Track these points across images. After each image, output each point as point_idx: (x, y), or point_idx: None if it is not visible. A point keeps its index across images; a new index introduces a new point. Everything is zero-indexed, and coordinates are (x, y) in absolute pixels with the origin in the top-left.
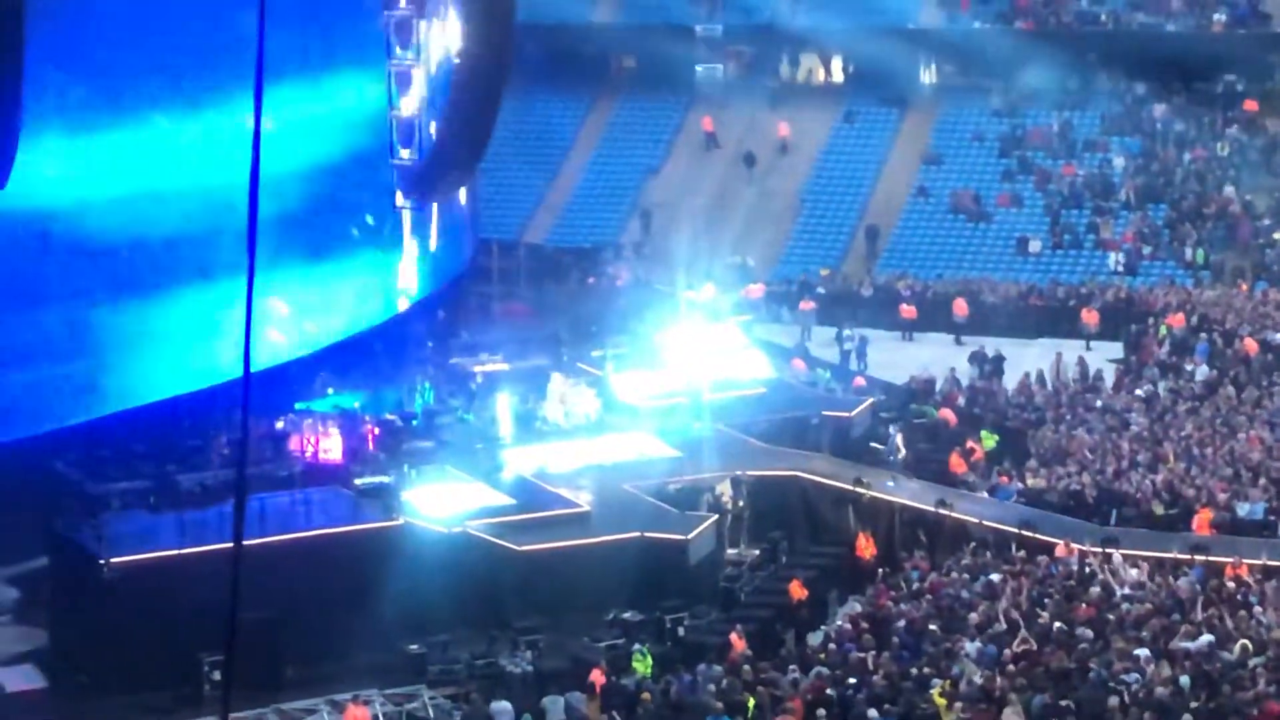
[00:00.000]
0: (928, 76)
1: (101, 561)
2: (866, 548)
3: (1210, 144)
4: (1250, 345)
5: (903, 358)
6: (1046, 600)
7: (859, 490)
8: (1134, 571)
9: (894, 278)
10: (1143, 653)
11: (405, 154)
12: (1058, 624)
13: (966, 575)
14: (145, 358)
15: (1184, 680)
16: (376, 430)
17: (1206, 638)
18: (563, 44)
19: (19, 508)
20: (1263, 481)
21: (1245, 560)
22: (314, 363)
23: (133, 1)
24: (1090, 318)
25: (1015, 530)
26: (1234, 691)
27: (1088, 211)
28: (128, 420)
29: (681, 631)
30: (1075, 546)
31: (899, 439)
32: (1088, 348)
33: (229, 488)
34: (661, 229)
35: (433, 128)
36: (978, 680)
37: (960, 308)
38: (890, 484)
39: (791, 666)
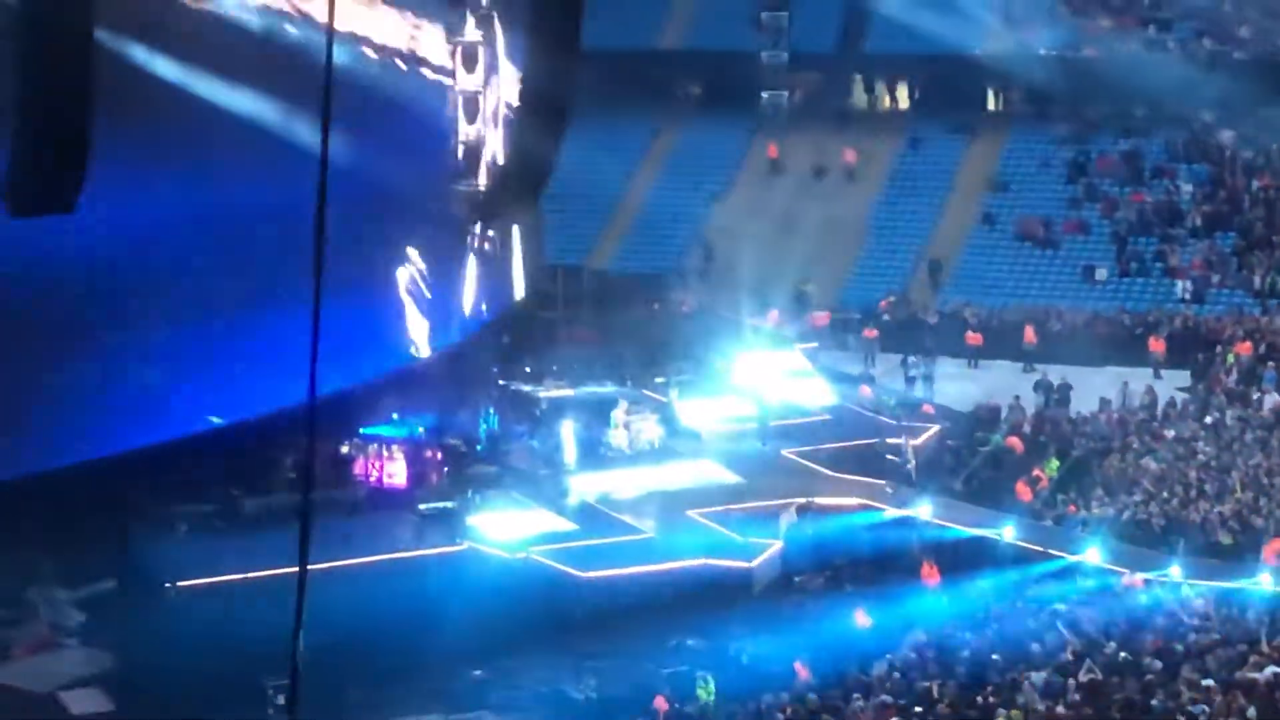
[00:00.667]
0: (994, 103)
1: (167, 585)
2: (931, 576)
3: (1279, 171)
4: None
5: (968, 385)
6: (1113, 630)
7: (923, 518)
8: (1201, 601)
9: (959, 305)
10: (1210, 683)
11: (471, 179)
12: (1124, 654)
13: (1032, 604)
14: (211, 381)
15: (1251, 712)
16: (441, 455)
17: (1274, 668)
18: (628, 70)
19: (86, 531)
20: None
21: None
22: (380, 387)
23: None
24: (1157, 346)
25: (1080, 559)
26: None
27: (1155, 239)
28: (194, 444)
29: (745, 659)
30: (1142, 576)
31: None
32: (1155, 376)
33: (294, 512)
34: (726, 255)
35: (498, 153)
36: (1041, 709)
37: (1029, 335)
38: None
39: (856, 695)
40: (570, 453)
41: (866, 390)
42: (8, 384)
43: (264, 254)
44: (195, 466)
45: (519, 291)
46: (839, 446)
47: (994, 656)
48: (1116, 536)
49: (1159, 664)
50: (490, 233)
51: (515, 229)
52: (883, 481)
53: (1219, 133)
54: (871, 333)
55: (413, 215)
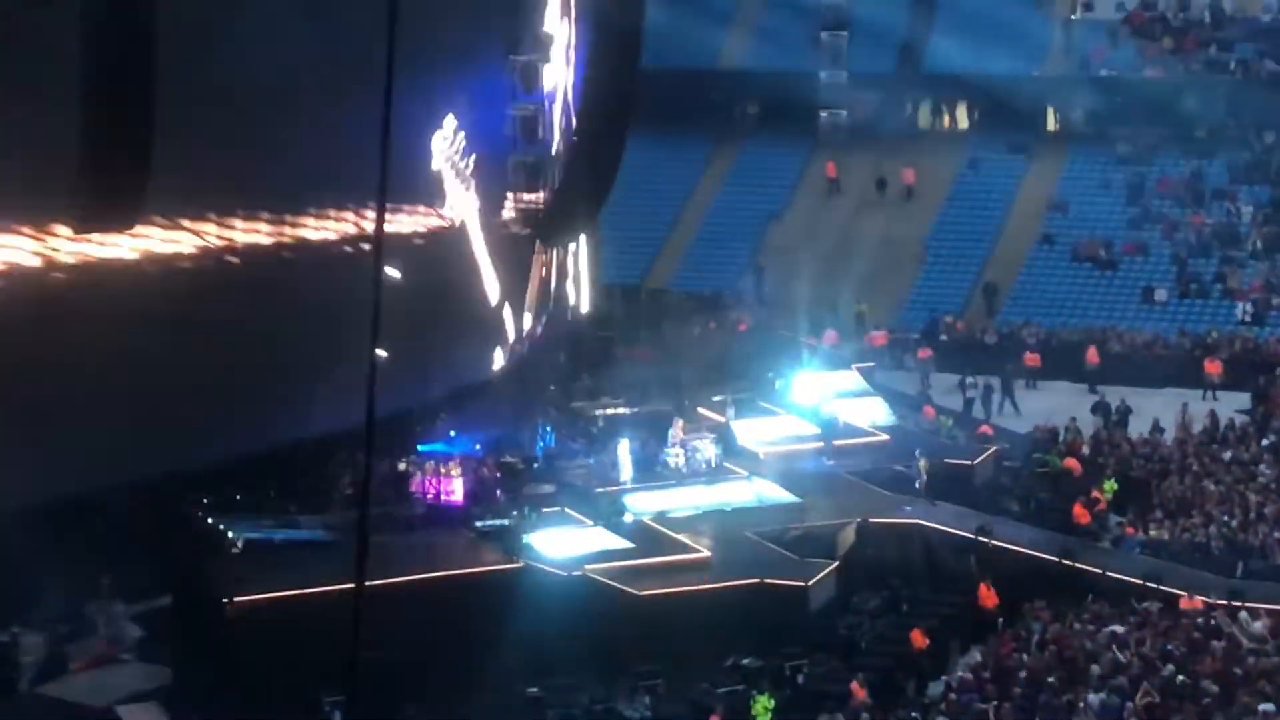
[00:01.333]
0: (1054, 124)
1: (225, 600)
2: (988, 597)
3: None
4: None
5: (1026, 406)
6: (1171, 653)
7: (981, 539)
8: (1259, 624)
9: (1018, 325)
10: (1267, 707)
11: (530, 197)
12: (1182, 677)
13: (1090, 626)
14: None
15: None
16: (498, 473)
17: None
18: (687, 88)
19: (144, 546)
20: None
21: None
22: (437, 405)
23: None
24: (1214, 368)
25: (1139, 582)
26: None
27: (1215, 261)
28: (253, 460)
29: (801, 679)
30: (1200, 599)
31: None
32: (1214, 398)
33: (351, 528)
34: (784, 274)
35: (557, 172)
36: None
37: (1092, 356)
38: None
39: (913, 715)
40: (626, 471)
41: (930, 411)
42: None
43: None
44: (253, 483)
45: (576, 309)
46: (896, 466)
47: (1050, 679)
48: (1175, 559)
49: (1217, 687)
50: (549, 251)
51: (573, 247)
52: (941, 502)
53: None
54: (927, 353)
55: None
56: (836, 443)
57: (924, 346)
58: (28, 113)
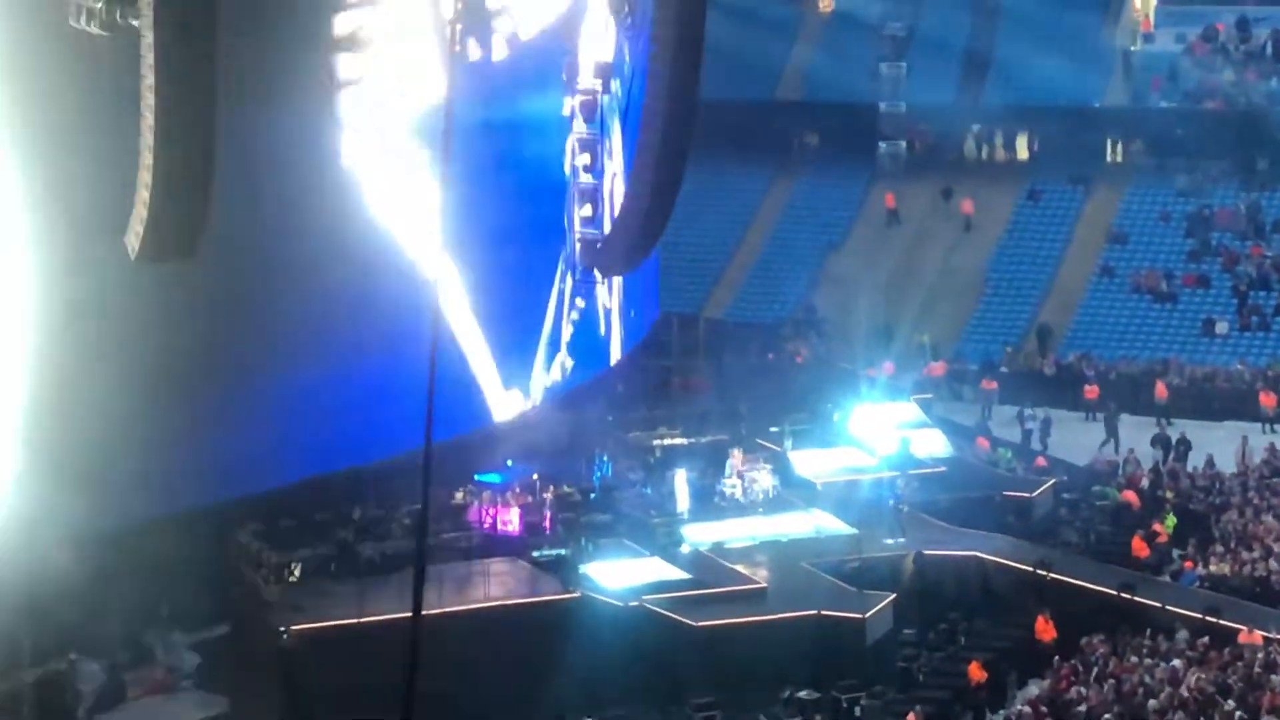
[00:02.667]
0: (1113, 155)
1: (282, 629)
2: (1046, 630)
3: None
4: None
5: (1085, 438)
6: (1230, 687)
7: (1040, 571)
8: None
9: (1077, 358)
10: None
11: (589, 228)
12: (1241, 712)
13: (1149, 660)
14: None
15: None
16: (555, 502)
17: None
18: (746, 120)
19: (202, 574)
20: None
21: None
22: (494, 433)
23: None
24: (1268, 400)
25: (1199, 616)
26: None
27: (1276, 293)
28: (310, 489)
29: (858, 711)
30: (1260, 633)
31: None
32: (1272, 431)
33: (409, 557)
34: (842, 305)
35: (616, 202)
36: None
37: (1161, 390)
38: (890, 541)
39: None
40: (684, 501)
41: (984, 442)
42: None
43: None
44: (311, 511)
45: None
46: (955, 498)
47: (1106, 716)
48: (1234, 593)
49: None
50: (608, 280)
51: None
52: (999, 534)
53: None
54: (989, 384)
55: None
56: (890, 474)
57: (987, 378)
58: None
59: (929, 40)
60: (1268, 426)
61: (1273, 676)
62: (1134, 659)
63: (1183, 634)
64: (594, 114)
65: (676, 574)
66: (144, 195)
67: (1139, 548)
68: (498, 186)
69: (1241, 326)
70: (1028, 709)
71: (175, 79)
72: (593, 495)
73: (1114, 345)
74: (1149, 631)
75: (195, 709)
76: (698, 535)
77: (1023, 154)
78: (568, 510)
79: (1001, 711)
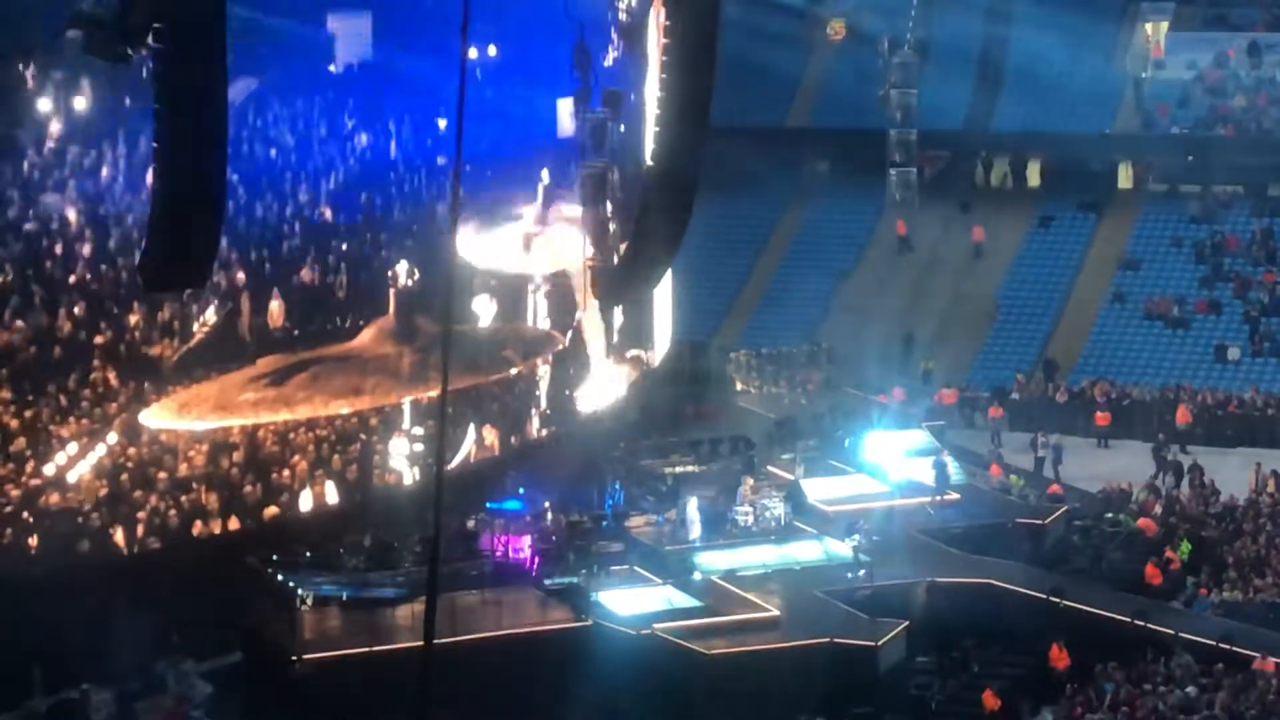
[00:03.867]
0: (1125, 181)
1: (294, 658)
2: (1060, 658)
3: None
4: None
5: (1098, 465)
6: (1243, 715)
7: (1053, 599)
8: None
9: (1089, 384)
10: None
11: (598, 256)
12: None
13: (1162, 688)
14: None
15: None
16: (566, 530)
17: None
18: (756, 147)
19: (214, 603)
20: None
21: None
22: (506, 461)
23: None
24: None
25: (1213, 643)
26: None
27: None
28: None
29: None
30: (1274, 660)
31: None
32: None
33: (421, 586)
34: (853, 333)
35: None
36: None
37: (1183, 416)
38: (850, 576)
39: None
40: (695, 529)
41: (996, 469)
42: None
43: None
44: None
45: (648, 366)
46: (967, 525)
47: None
48: (1248, 620)
49: None
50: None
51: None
52: (1012, 561)
53: None
54: (998, 411)
55: None
56: (899, 503)
57: (995, 405)
58: None
59: (938, 68)
60: None
61: None
62: (1147, 687)
63: (1187, 659)
64: (604, 142)
65: (688, 602)
66: (154, 223)
67: (1153, 574)
68: None
69: (1254, 352)
70: None
71: (177, 106)
72: (605, 523)
73: (1126, 372)
74: (1165, 658)
75: None
76: (710, 563)
77: (1034, 181)
78: (580, 538)
79: None
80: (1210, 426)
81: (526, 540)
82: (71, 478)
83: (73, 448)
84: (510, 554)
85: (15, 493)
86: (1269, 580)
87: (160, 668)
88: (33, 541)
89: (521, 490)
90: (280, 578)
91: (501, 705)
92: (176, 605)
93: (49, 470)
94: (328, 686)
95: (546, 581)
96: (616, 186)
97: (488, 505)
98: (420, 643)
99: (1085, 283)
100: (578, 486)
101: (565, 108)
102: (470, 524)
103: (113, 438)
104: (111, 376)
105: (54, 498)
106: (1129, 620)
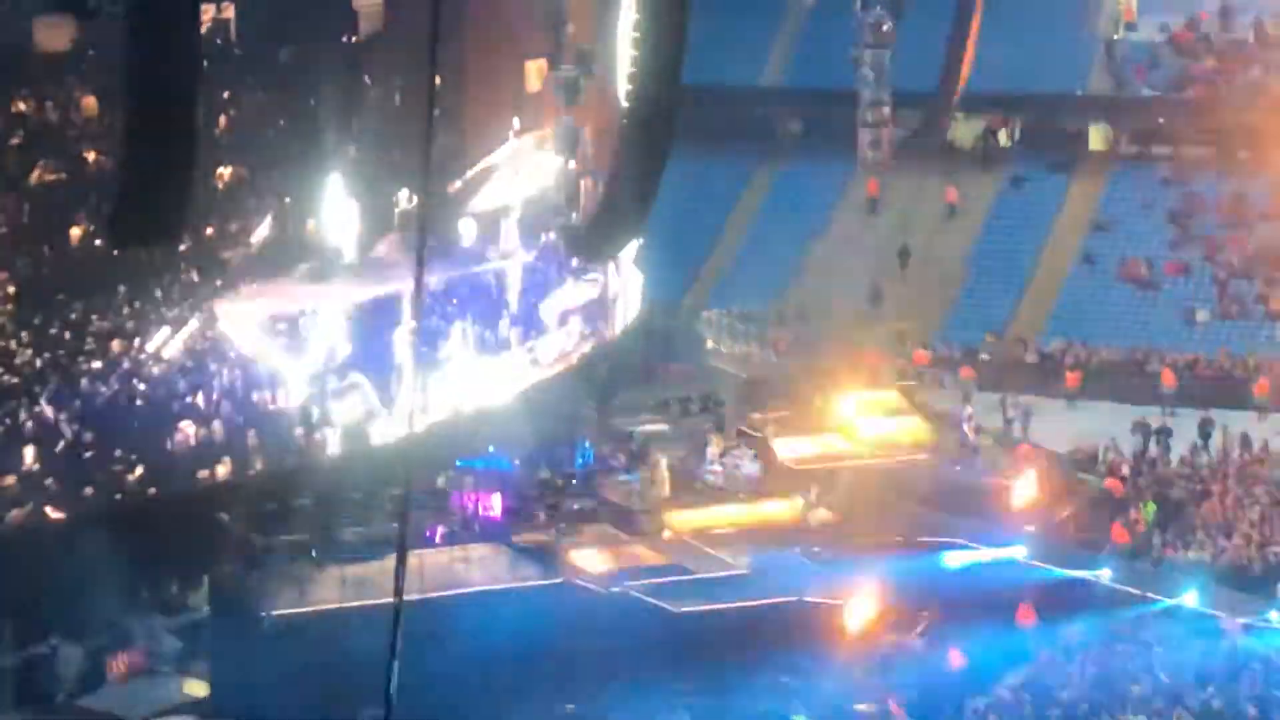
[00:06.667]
0: (1097, 143)
1: (263, 614)
2: (1028, 616)
3: None
4: None
5: (1067, 426)
6: (1209, 675)
7: (1021, 559)
8: None
9: (1059, 345)
10: None
11: (571, 214)
12: (1219, 700)
13: (1130, 648)
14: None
15: None
16: (537, 489)
17: None
18: (727, 106)
19: (183, 559)
20: None
21: None
22: (476, 419)
23: None
24: (1260, 389)
25: (1178, 602)
26: None
27: (1257, 282)
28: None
29: (839, 698)
30: (1240, 620)
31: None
32: (1258, 419)
33: (390, 543)
34: (824, 293)
35: (598, 189)
36: None
37: (1167, 378)
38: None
39: None
40: (666, 488)
41: (969, 430)
42: None
43: None
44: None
45: (617, 326)
46: (936, 485)
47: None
48: (1214, 580)
49: (1256, 710)
50: (590, 267)
51: (614, 265)
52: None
53: None
54: (969, 372)
55: None
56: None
57: (965, 366)
58: None
59: (912, 27)
60: (1257, 415)
61: (1254, 664)
62: (1115, 646)
63: (1159, 619)
64: (575, 98)
65: (658, 560)
66: (123, 178)
67: (1119, 534)
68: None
69: (1222, 315)
70: (1009, 695)
71: (146, 61)
72: (575, 481)
73: (1095, 333)
74: (1131, 617)
75: (174, 694)
76: (679, 521)
77: (1005, 142)
78: (550, 496)
79: (982, 698)
80: (1179, 389)
81: (496, 498)
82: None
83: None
84: (480, 512)
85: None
86: (1236, 540)
87: (129, 622)
88: None
89: (492, 448)
90: (250, 533)
91: (470, 663)
92: (146, 560)
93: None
94: (296, 642)
95: (516, 539)
96: (588, 144)
97: (458, 463)
98: (390, 599)
99: (1055, 244)
100: (548, 445)
101: (534, 67)
102: (440, 481)
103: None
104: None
105: None
106: (1096, 579)
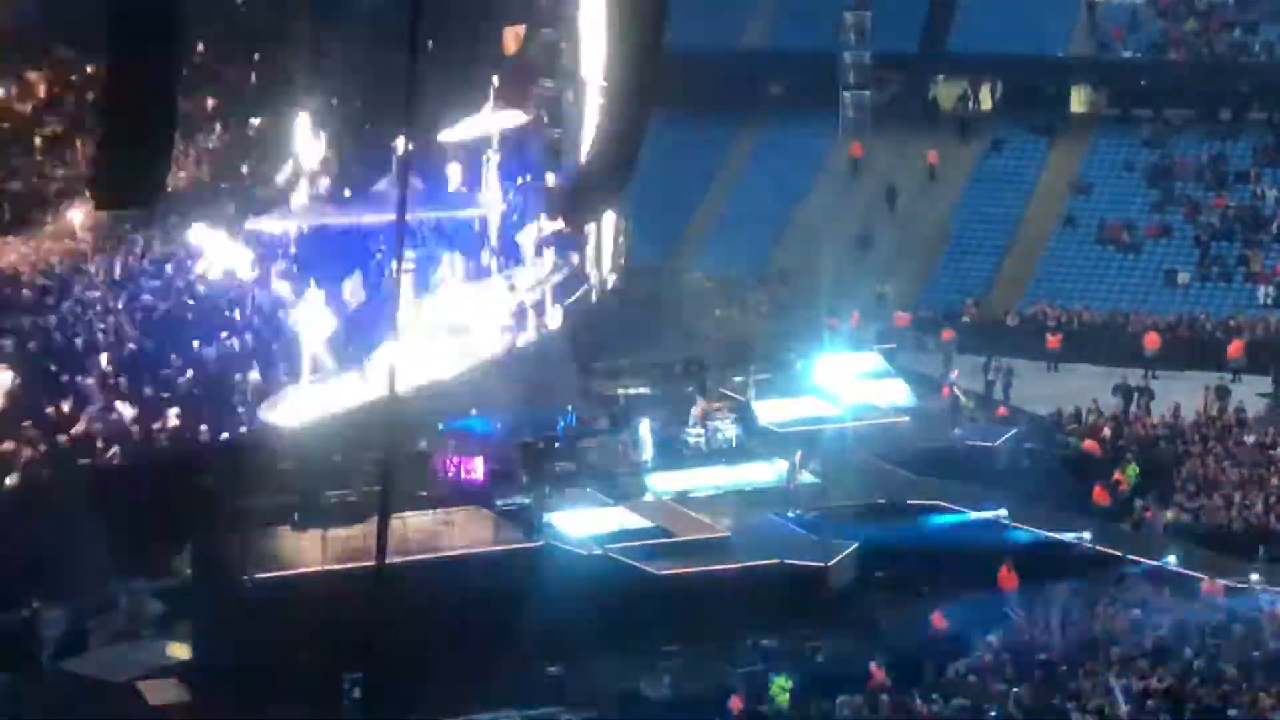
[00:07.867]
0: (1078, 105)
1: (245, 577)
2: (1009, 579)
3: None
4: None
5: (1048, 388)
6: (1190, 636)
7: (1003, 520)
8: None
9: (1040, 308)
10: None
11: (551, 177)
12: (1200, 661)
13: (1110, 609)
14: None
15: None
16: (519, 452)
17: None
18: (710, 69)
19: (165, 522)
20: None
21: None
22: (459, 383)
23: None
24: (1236, 350)
25: (1159, 564)
26: None
27: (1238, 244)
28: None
29: (820, 660)
30: (1221, 582)
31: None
32: (1236, 381)
33: (372, 506)
34: (806, 255)
35: (580, 151)
36: (1119, 715)
37: (1151, 341)
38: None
39: (932, 697)
40: (648, 450)
41: (947, 392)
42: None
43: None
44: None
45: (599, 289)
46: (917, 448)
47: (1065, 667)
48: (1195, 542)
49: (1236, 672)
50: (572, 230)
51: (596, 228)
52: (961, 483)
53: None
54: (950, 334)
55: None
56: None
57: (947, 328)
58: None
59: None
60: (1236, 376)
61: (1235, 626)
62: (1096, 608)
63: (1141, 581)
64: (556, 62)
65: (640, 523)
66: (102, 139)
67: (1100, 496)
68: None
69: (1203, 277)
70: (989, 657)
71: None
72: (557, 444)
73: (1077, 295)
74: (1112, 580)
75: (158, 657)
76: (661, 484)
77: (986, 104)
78: (532, 459)
79: (964, 660)
80: (1160, 350)
81: (478, 461)
82: None
83: None
84: (462, 475)
85: None
86: (1217, 502)
87: (112, 585)
88: None
89: (474, 411)
90: (232, 496)
91: (453, 625)
92: (129, 523)
93: None
94: (278, 605)
95: (499, 502)
96: (570, 108)
97: (441, 426)
98: (372, 563)
99: (1036, 206)
100: (531, 408)
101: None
102: (422, 444)
103: None
104: None
105: None
106: (1077, 541)
